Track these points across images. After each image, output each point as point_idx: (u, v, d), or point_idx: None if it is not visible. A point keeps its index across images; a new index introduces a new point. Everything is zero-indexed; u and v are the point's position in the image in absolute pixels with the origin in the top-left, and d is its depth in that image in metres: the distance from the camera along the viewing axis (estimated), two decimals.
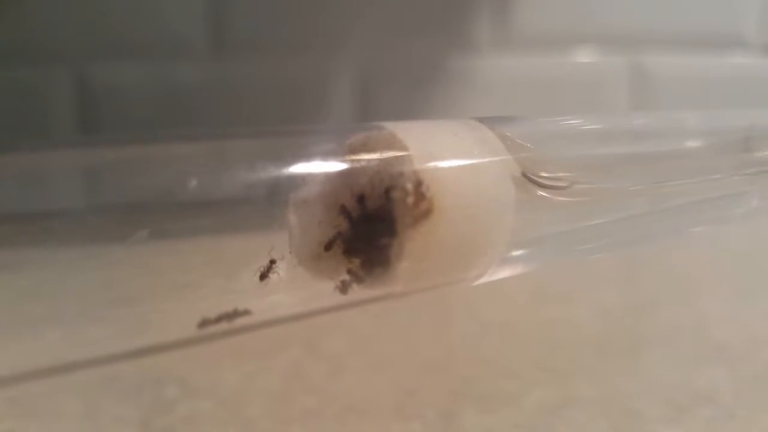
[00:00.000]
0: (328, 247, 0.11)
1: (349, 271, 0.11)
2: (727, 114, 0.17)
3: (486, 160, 0.11)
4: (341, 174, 0.11)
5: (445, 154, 0.11)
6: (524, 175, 0.12)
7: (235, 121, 0.49)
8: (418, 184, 0.10)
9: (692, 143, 0.16)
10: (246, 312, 0.10)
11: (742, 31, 0.48)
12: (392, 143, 0.11)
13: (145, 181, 0.10)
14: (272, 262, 0.11)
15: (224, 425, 0.19)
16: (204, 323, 0.11)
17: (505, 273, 0.12)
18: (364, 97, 0.48)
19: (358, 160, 0.11)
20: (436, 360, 0.24)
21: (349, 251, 0.11)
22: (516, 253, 0.12)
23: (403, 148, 0.10)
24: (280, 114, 0.49)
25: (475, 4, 0.48)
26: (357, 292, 0.11)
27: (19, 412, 0.20)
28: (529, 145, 0.12)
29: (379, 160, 0.10)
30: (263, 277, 0.11)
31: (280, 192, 0.11)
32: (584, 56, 0.48)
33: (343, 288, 0.11)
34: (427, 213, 0.10)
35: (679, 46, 0.48)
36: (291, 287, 0.11)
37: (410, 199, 0.10)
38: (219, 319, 0.10)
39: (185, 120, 0.49)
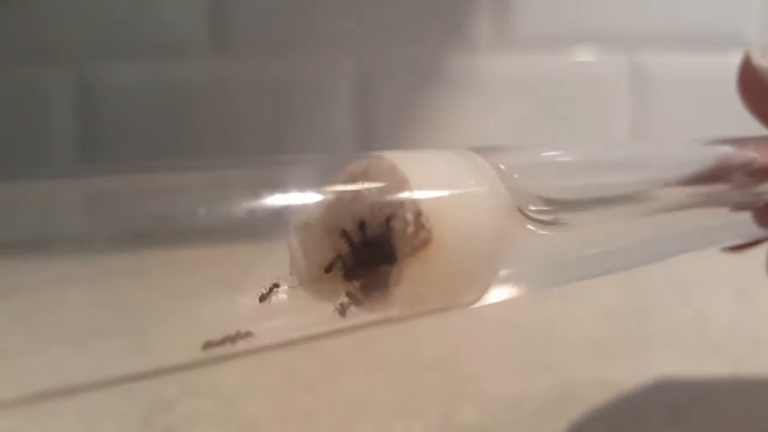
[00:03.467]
0: (328, 269, 0.11)
1: (348, 294, 0.11)
2: (707, 142, 0.17)
3: (481, 190, 0.11)
4: (342, 199, 0.11)
5: (443, 185, 0.11)
6: (517, 208, 0.12)
7: (234, 120, 0.49)
8: (418, 214, 0.11)
9: (675, 172, 0.16)
10: (248, 334, 0.10)
11: (742, 31, 0.48)
12: (392, 173, 0.11)
13: (148, 206, 0.10)
14: (275, 285, 0.11)
15: (224, 425, 0.20)
16: (208, 345, 0.11)
17: (499, 298, 0.13)
18: (364, 97, 0.48)
19: (359, 188, 0.11)
20: (436, 360, 0.24)
21: (348, 274, 0.11)
22: (508, 279, 0.12)
23: (403, 178, 0.11)
24: (280, 114, 0.49)
25: (475, 4, 0.48)
26: (356, 314, 0.11)
27: (19, 411, 0.20)
28: (515, 176, 0.12)
29: (380, 188, 0.11)
30: (263, 298, 0.11)
31: (282, 215, 0.11)
32: (584, 56, 0.48)
33: (342, 310, 0.11)
34: (426, 242, 0.11)
35: (679, 46, 0.48)
36: (291, 309, 0.11)
37: (410, 229, 0.11)
38: (223, 341, 0.10)
39: (185, 120, 0.49)
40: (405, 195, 0.11)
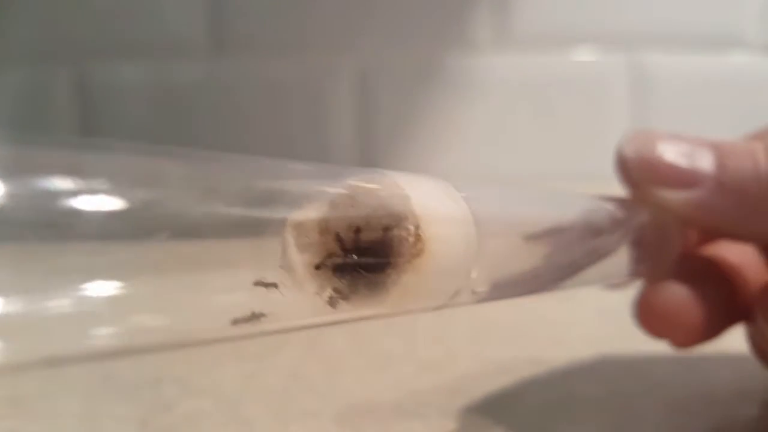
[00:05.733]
0: (318, 266, 0.12)
1: (335, 289, 0.12)
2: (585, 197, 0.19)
3: (458, 214, 0.14)
4: (340, 205, 0.12)
5: (434, 206, 0.13)
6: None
7: (234, 120, 0.49)
8: (417, 227, 0.13)
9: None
10: (262, 314, 0.12)
11: (742, 31, 0.48)
12: (395, 189, 0.13)
13: (150, 191, 0.10)
14: (272, 283, 0.12)
15: (223, 425, 0.20)
16: (236, 321, 0.11)
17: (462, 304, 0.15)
18: (364, 97, 0.48)
19: (364, 196, 0.13)
20: (436, 360, 0.24)
21: (337, 272, 0.12)
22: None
23: (406, 195, 0.13)
24: (280, 114, 0.49)
25: (475, 4, 0.48)
26: (346, 309, 0.13)
27: (19, 411, 0.20)
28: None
29: (385, 200, 0.13)
30: (258, 284, 0.12)
31: (280, 212, 0.12)
32: (584, 56, 0.48)
33: (332, 303, 0.12)
34: (420, 252, 0.13)
35: (679, 46, 0.48)
36: (286, 298, 0.12)
37: (411, 239, 0.13)
38: (249, 318, 0.11)
39: (185, 120, 0.49)
40: (408, 209, 0.13)
